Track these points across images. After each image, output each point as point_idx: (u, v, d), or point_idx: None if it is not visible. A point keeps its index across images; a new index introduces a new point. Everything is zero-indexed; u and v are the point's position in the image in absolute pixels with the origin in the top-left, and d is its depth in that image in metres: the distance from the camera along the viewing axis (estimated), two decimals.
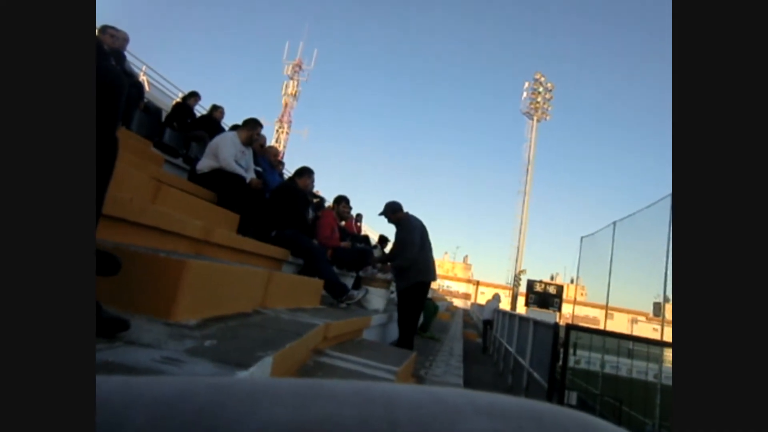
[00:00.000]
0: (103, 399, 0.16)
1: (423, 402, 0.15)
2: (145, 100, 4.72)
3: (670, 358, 6.40)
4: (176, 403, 0.15)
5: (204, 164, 3.44)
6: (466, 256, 46.15)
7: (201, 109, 6.75)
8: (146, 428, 0.14)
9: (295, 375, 1.59)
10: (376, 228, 12.87)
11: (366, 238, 6.71)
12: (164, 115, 5.38)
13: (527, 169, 28.72)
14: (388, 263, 3.89)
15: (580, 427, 0.15)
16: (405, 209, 3.81)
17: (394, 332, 3.97)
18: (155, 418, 0.15)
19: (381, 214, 3.78)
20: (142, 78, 8.11)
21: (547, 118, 29.79)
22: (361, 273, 4.03)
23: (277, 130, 28.37)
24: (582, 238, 12.78)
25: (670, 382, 5.57)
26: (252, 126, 3.72)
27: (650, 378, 5.84)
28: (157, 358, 0.93)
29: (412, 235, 3.64)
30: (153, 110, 4.98)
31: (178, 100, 6.67)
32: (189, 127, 5.22)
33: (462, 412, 0.15)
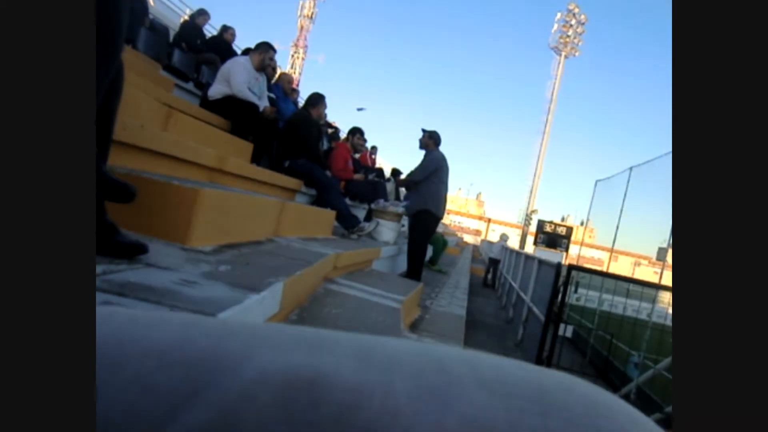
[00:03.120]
0: (103, 342, 0.16)
1: (424, 370, 0.14)
2: (150, 17, 4.49)
3: (663, 300, 6.80)
4: (170, 351, 0.15)
5: (216, 90, 3.36)
6: (480, 193, 45.96)
7: (210, 29, 6.41)
8: (135, 379, 0.14)
9: (306, 301, 1.69)
10: (390, 161, 12.74)
11: (380, 170, 6.68)
12: (171, 34, 5.13)
13: (549, 108, 27.40)
14: (403, 179, 4.11)
15: (587, 410, 0.14)
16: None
17: (403, 264, 4.12)
18: (147, 367, 0.15)
19: (424, 129, 3.97)
20: None
21: (576, 53, 27.75)
22: (372, 205, 4.10)
23: (293, 55, 27.07)
24: (597, 181, 12.61)
25: (660, 320, 5.97)
26: (264, 49, 3.54)
27: (642, 316, 6.20)
28: (176, 280, 1.00)
29: (429, 165, 3.83)
30: (159, 29, 4.75)
31: (186, 18, 6.31)
32: (199, 48, 5.00)
33: (463, 384, 0.14)
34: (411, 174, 3.95)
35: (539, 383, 0.14)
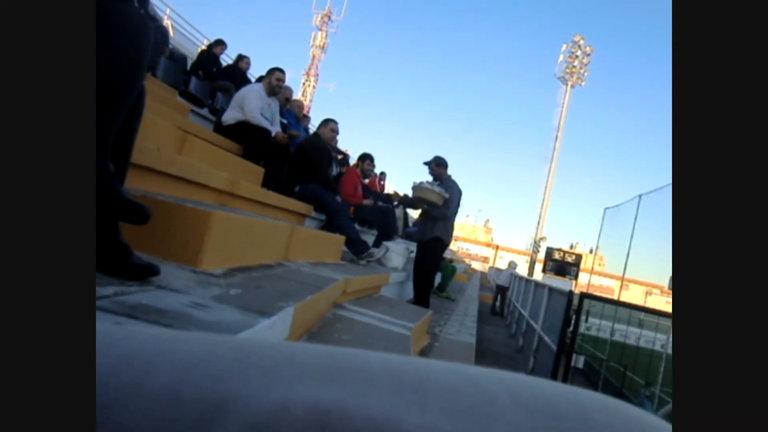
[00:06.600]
0: (131, 355, 0.16)
1: (459, 388, 0.14)
2: (170, 47, 4.67)
3: None
4: (197, 366, 0.15)
5: (229, 116, 3.44)
6: (488, 220, 45.79)
7: (226, 59, 6.65)
8: (165, 391, 0.14)
9: (315, 326, 1.66)
10: (399, 187, 12.85)
11: (388, 196, 6.72)
12: (189, 63, 5.32)
13: (556, 136, 27.62)
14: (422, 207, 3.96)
15: (631, 430, 0.13)
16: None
17: (411, 290, 4.06)
18: (175, 380, 0.15)
19: (426, 163, 3.89)
20: (166, 22, 7.97)
21: (582, 83, 28.23)
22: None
23: (304, 83, 27.87)
24: (606, 209, 12.52)
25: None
26: (270, 73, 3.65)
27: (657, 347, 5.96)
28: (187, 303, 0.98)
29: (453, 194, 3.79)
30: (178, 57, 4.93)
31: (203, 47, 6.57)
32: (215, 76, 5.17)
33: (500, 403, 0.13)
34: (442, 209, 3.77)
35: (578, 403, 0.14)
